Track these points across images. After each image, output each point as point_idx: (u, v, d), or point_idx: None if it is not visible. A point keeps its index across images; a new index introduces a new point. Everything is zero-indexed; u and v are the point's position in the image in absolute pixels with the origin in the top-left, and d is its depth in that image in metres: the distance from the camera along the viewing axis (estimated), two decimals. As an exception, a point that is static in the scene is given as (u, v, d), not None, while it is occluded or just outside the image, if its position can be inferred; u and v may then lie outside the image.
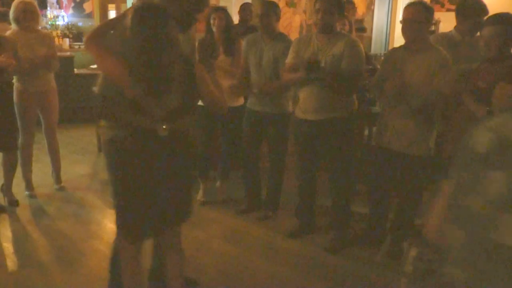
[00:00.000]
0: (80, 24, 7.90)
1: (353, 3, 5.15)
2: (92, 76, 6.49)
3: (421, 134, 2.78)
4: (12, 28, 3.73)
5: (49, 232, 3.37)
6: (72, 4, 7.92)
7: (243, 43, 3.51)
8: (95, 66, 6.85)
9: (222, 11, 3.65)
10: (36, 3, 3.87)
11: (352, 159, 3.11)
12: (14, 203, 3.73)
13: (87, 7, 7.87)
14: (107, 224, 3.53)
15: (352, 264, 2.97)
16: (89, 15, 7.89)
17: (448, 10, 6.69)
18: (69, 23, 7.79)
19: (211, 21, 3.61)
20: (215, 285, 2.76)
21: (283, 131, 3.46)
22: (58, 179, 4.16)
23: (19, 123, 3.77)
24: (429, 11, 2.71)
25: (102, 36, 2.05)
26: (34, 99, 3.80)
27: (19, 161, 3.83)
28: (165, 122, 1.90)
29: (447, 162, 2.73)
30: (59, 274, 2.83)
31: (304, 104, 3.00)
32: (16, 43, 3.52)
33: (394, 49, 2.94)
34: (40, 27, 4.05)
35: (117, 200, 2.01)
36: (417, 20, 2.68)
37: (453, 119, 2.70)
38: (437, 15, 5.22)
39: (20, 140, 3.80)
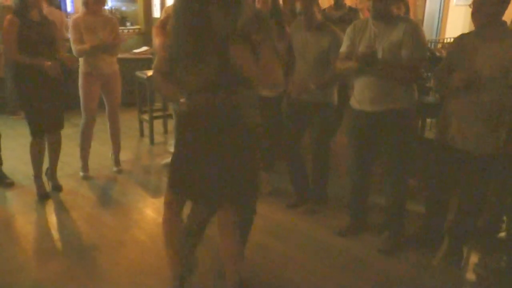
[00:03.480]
0: (123, 8, 7.90)
1: None
2: (135, 61, 6.50)
3: (489, 130, 2.50)
4: (80, 11, 3.79)
5: (90, 219, 3.33)
6: (116, -12, 7.90)
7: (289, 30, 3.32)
8: (137, 50, 6.82)
9: None
10: None
11: (410, 155, 2.87)
12: (58, 188, 3.73)
13: (131, -9, 7.84)
14: (149, 213, 3.46)
15: (406, 268, 2.76)
16: (133, 0, 7.85)
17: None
18: (113, 7, 7.79)
19: (255, 5, 3.41)
20: (259, 281, 2.62)
21: (327, 120, 3.28)
22: (117, 162, 4.24)
23: (82, 104, 3.89)
24: None
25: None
26: (97, 81, 3.87)
27: (79, 142, 3.99)
28: (189, 97, 2.03)
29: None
30: (99, 264, 2.78)
31: (360, 94, 2.77)
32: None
33: (464, 35, 2.65)
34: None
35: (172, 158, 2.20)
36: (490, 1, 2.38)
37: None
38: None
39: (81, 121, 3.95)
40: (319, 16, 3.18)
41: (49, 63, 3.27)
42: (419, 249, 2.92)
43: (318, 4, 3.21)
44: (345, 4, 4.72)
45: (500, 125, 2.50)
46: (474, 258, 2.86)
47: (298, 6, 3.17)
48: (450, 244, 2.84)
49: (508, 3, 2.41)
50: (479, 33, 2.51)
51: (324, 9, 5.01)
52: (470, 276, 2.73)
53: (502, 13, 2.42)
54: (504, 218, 3.08)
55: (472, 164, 2.61)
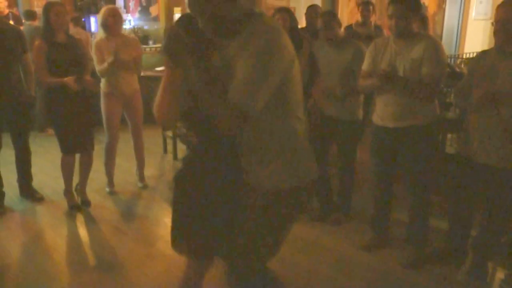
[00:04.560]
0: (146, 27, 8.12)
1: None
2: (158, 79, 6.63)
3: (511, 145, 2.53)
4: (99, 34, 3.91)
5: (118, 233, 3.43)
6: (139, 8, 8.15)
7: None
8: (159, 68, 6.98)
9: (286, 12, 3.51)
10: (120, 9, 4.06)
11: (432, 170, 2.90)
12: (87, 203, 3.84)
13: (153, 10, 8.08)
14: (174, 227, 3.53)
15: (430, 282, 2.77)
16: (155, 19, 8.09)
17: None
18: (136, 26, 8.02)
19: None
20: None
21: (354, 137, 3.37)
22: (142, 177, 4.34)
23: (104, 123, 4.00)
24: None
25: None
26: (119, 101, 3.98)
27: (104, 160, 4.11)
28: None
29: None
30: (127, 276, 2.85)
31: (382, 111, 2.83)
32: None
33: (485, 52, 2.69)
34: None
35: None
36: (512, 20, 2.43)
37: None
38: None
39: (105, 140, 4.06)
40: (340, 32, 3.28)
41: (69, 78, 3.38)
42: (443, 264, 2.92)
43: (338, 20, 3.32)
44: (371, 22, 4.82)
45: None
46: (499, 274, 2.85)
47: (319, 23, 3.28)
48: (475, 259, 2.83)
49: None
50: (500, 49, 2.55)
51: (351, 25, 5.12)
52: (496, 291, 2.73)
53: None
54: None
55: (495, 179, 2.62)
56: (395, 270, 2.89)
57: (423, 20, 4.08)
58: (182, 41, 1.51)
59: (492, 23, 2.53)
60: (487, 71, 2.55)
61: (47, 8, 3.43)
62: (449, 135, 4.50)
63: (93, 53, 3.83)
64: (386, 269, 2.91)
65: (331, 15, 3.32)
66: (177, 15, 8.13)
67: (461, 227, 2.90)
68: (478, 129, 2.63)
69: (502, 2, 2.53)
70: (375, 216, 3.14)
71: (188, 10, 1.58)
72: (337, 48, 3.26)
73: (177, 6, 8.07)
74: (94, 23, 8.03)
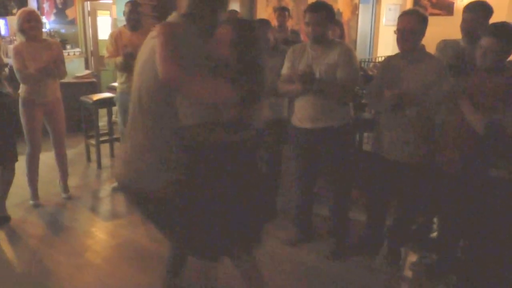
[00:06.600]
0: (62, 31, 7.78)
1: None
2: (78, 85, 6.43)
3: (417, 142, 2.79)
4: (19, 38, 3.76)
5: (44, 247, 3.30)
6: (54, 11, 7.79)
7: None
8: (80, 74, 6.75)
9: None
10: (38, 12, 3.93)
11: (350, 167, 3.13)
12: (6, 219, 3.65)
13: (70, 13, 7.76)
14: (102, 237, 3.48)
15: (351, 271, 2.99)
16: (72, 22, 7.78)
17: (431, 14, 6.71)
18: (51, 30, 7.66)
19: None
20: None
21: (279, 137, 3.49)
22: (65, 188, 4.19)
23: (26, 133, 3.82)
24: (424, 20, 2.73)
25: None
26: (40, 109, 3.82)
27: (26, 172, 3.92)
28: None
29: (443, 170, 2.78)
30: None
31: (300, 112, 3.00)
32: None
33: (391, 58, 2.96)
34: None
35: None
36: (413, 30, 2.70)
37: (449, 127, 2.73)
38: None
39: (27, 151, 3.87)
40: (272, 40, 3.41)
41: None
42: (362, 253, 3.16)
43: (272, 29, 3.45)
44: (287, 26, 5.01)
45: (426, 137, 2.82)
46: (411, 258, 3.15)
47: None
48: (390, 247, 3.11)
49: (424, 32, 2.75)
50: (404, 55, 2.82)
51: None
52: (407, 273, 3.01)
53: (421, 39, 2.76)
54: (435, 220, 3.41)
55: (404, 173, 2.88)
56: (319, 263, 3.08)
57: (340, 27, 4.34)
58: None
59: (395, 31, 2.79)
60: (394, 74, 2.81)
61: None
62: (365, 134, 4.83)
63: (12, 58, 3.66)
64: (310, 262, 3.08)
65: (265, 24, 3.43)
66: (101, 18, 7.89)
67: (377, 218, 3.16)
68: (388, 128, 2.88)
69: (403, 13, 2.82)
70: (298, 212, 3.31)
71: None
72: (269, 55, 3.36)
73: (104, 9, 7.85)
74: (3, 26, 7.55)
